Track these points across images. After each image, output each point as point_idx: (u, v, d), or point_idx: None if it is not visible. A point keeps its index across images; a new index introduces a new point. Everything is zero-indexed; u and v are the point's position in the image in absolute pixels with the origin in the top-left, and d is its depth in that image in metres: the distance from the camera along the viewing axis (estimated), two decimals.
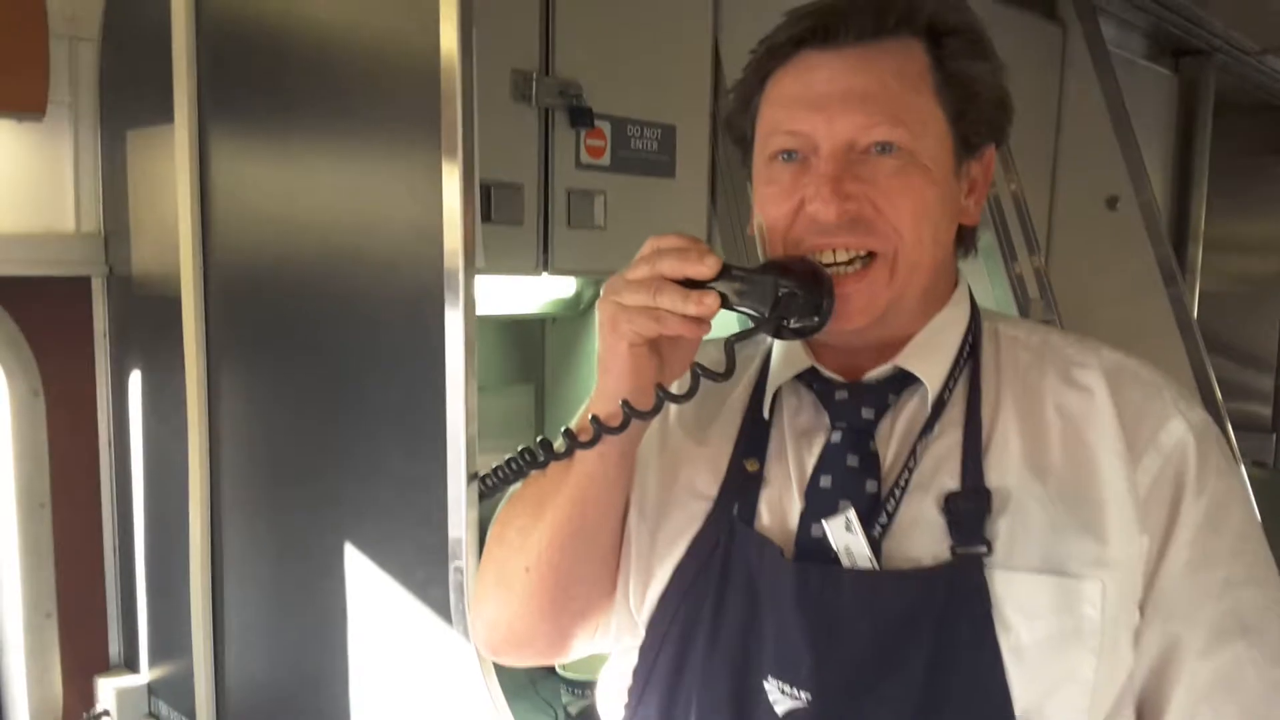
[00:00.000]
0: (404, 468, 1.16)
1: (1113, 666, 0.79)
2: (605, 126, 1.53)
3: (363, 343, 1.21)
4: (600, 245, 1.55)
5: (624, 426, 0.82)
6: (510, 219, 1.42)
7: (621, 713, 0.91)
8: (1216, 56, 2.96)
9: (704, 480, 0.90)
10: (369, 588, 1.22)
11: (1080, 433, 0.82)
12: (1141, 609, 0.81)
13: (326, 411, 1.28)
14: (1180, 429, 0.81)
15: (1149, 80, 2.82)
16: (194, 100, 1.37)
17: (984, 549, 0.78)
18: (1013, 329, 0.90)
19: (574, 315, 2.11)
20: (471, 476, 1.08)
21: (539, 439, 0.87)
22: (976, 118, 0.85)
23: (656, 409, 0.81)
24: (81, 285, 1.63)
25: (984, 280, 1.77)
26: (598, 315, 0.83)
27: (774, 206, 0.83)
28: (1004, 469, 0.82)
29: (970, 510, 0.80)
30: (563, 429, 0.86)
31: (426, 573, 1.14)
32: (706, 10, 1.68)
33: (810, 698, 0.79)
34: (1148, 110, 2.78)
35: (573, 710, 1.52)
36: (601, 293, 0.82)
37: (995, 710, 0.77)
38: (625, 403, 0.81)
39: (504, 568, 0.93)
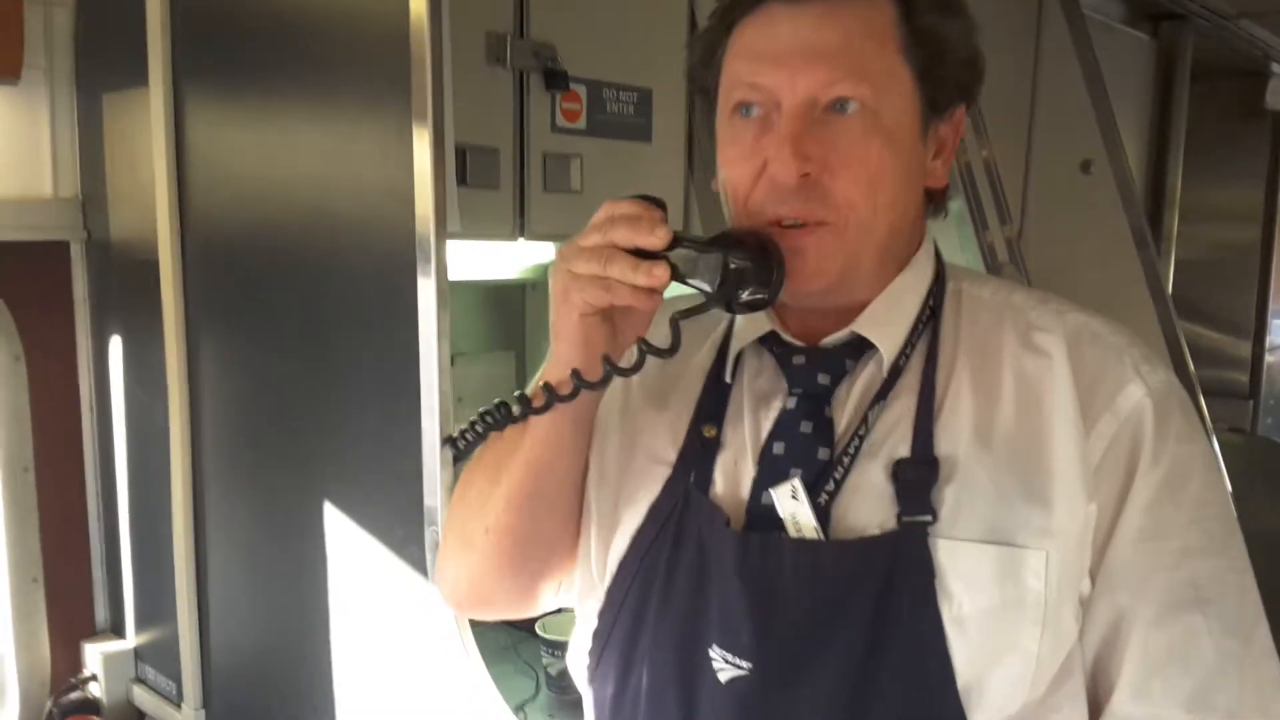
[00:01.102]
0: (380, 430, 1.17)
1: (1056, 637, 0.78)
2: (581, 90, 1.53)
3: (339, 306, 1.22)
4: (577, 209, 1.56)
5: (574, 395, 0.81)
6: (486, 183, 1.42)
7: (587, 671, 0.91)
8: (1194, 21, 2.95)
9: (663, 445, 0.89)
10: (348, 549, 1.23)
11: (1035, 398, 0.80)
12: (1093, 578, 0.80)
13: (305, 375, 1.29)
14: (1139, 393, 0.79)
15: (1127, 44, 2.82)
16: (168, 63, 1.37)
17: (929, 518, 0.77)
18: (977, 288, 0.88)
19: None
20: (445, 440, 1.09)
21: (496, 401, 0.85)
22: (944, 76, 0.82)
23: (605, 381, 0.81)
24: (60, 250, 1.63)
25: (954, 246, 1.79)
26: (550, 282, 0.81)
27: (735, 168, 0.82)
28: (954, 436, 0.80)
29: (917, 478, 0.79)
30: (516, 393, 0.84)
31: (405, 531, 1.15)
32: None
33: (751, 666, 0.79)
34: (1125, 75, 2.78)
35: (553, 671, 1.54)
36: (555, 259, 0.81)
37: (936, 681, 0.76)
38: (575, 373, 0.80)
39: (464, 528, 0.94)
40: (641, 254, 0.76)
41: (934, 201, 0.87)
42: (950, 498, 0.78)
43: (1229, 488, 0.85)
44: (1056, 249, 1.90)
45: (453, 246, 1.66)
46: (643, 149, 1.64)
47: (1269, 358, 3.70)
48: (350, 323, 1.21)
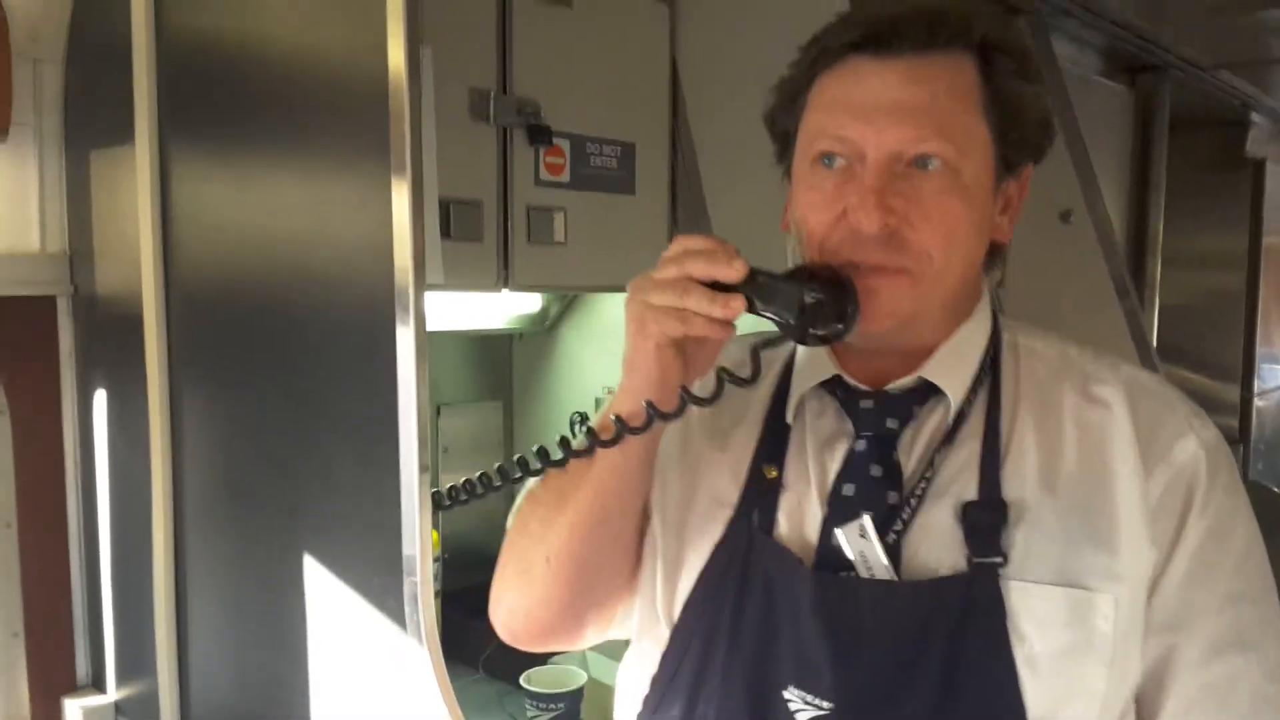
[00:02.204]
0: (360, 481, 1.17)
1: (1122, 677, 0.81)
2: (564, 144, 1.55)
3: (320, 358, 1.23)
4: (561, 261, 1.57)
5: (647, 427, 0.83)
6: (469, 236, 1.44)
7: (639, 716, 0.92)
8: (1171, 72, 3.00)
9: (725, 486, 0.91)
10: (328, 601, 1.23)
11: (1096, 446, 0.83)
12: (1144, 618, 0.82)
13: (286, 427, 1.29)
14: (1193, 446, 0.83)
15: (1105, 96, 2.86)
16: (154, 121, 1.39)
17: (1000, 560, 0.80)
18: (1031, 340, 0.91)
19: (541, 331, 2.13)
20: (436, 500, 1.08)
21: (559, 438, 0.88)
22: (1020, 138, 0.86)
23: (680, 411, 0.83)
24: (47, 305, 1.64)
25: None
26: (625, 314, 0.84)
27: (815, 214, 0.84)
28: (1020, 481, 0.83)
29: (987, 521, 0.81)
30: (585, 426, 0.89)
31: (383, 583, 1.15)
32: (664, 29, 1.72)
33: (833, 706, 0.81)
34: (1104, 126, 2.82)
35: None
36: (629, 291, 0.83)
37: (1010, 719, 0.78)
38: (649, 404, 0.82)
39: (525, 557, 0.95)
40: (718, 287, 0.79)
41: (993, 255, 0.90)
42: (1020, 540, 0.80)
43: (1262, 539, 0.88)
44: (1037, 298, 1.92)
45: (438, 297, 1.68)
46: (626, 201, 1.67)
47: (1258, 402, 3.71)
48: (331, 374, 1.21)
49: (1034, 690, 0.78)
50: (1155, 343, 2.97)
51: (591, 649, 1.71)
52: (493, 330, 2.10)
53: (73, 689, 1.71)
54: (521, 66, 1.48)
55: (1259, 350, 3.68)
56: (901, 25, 0.81)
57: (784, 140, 0.91)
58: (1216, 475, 0.83)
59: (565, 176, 1.56)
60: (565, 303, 2.10)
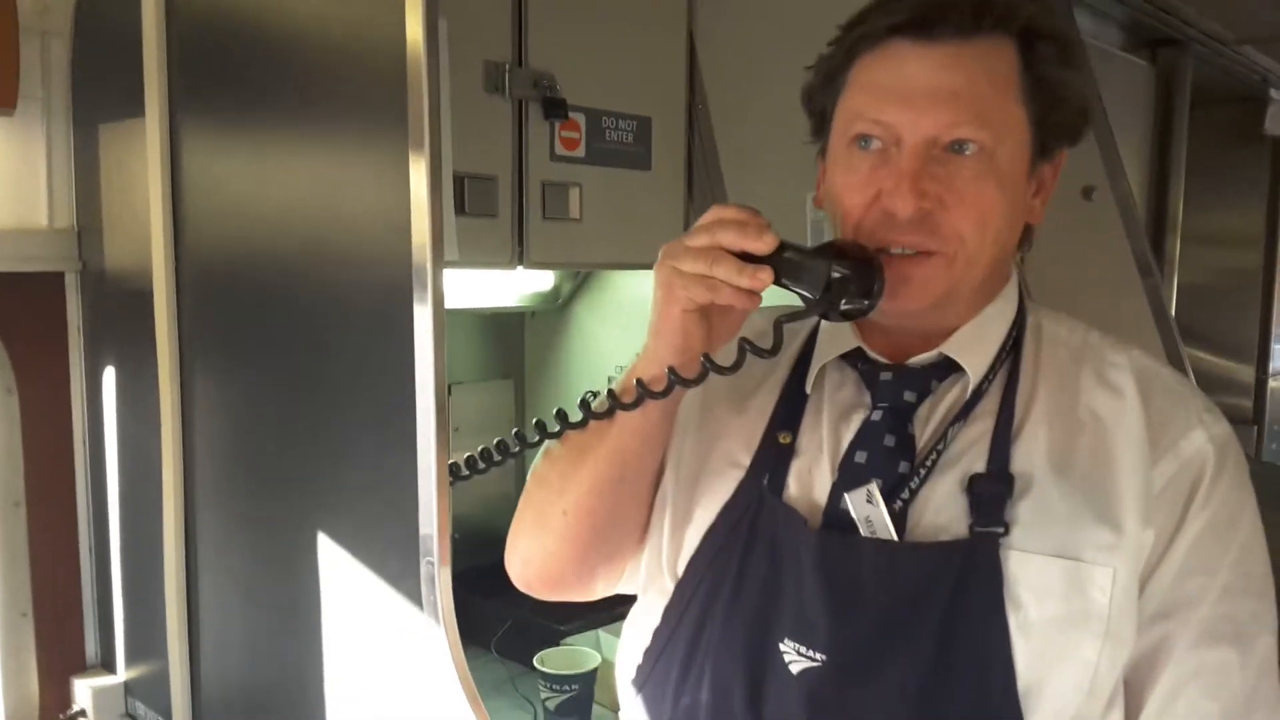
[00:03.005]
0: (376, 460, 1.16)
1: (1115, 650, 0.82)
2: (580, 118, 1.52)
3: (335, 335, 1.21)
4: (576, 237, 1.55)
5: (667, 392, 0.86)
6: (484, 211, 1.41)
7: (639, 667, 0.95)
8: (1193, 47, 2.96)
9: (739, 449, 0.94)
10: (343, 581, 1.22)
11: (1107, 431, 0.85)
12: (1139, 604, 0.84)
13: (299, 406, 1.28)
14: (1201, 439, 0.85)
15: (1126, 71, 2.83)
16: (164, 94, 1.37)
17: (1001, 530, 0.82)
18: (1055, 325, 0.93)
19: (553, 309, 2.11)
20: (452, 470, 1.08)
21: (580, 399, 0.92)
22: (1058, 123, 0.87)
23: (700, 378, 0.85)
24: (55, 281, 1.62)
25: None
26: (654, 278, 0.85)
27: (850, 195, 0.86)
28: (1030, 458, 0.85)
29: (992, 492, 0.83)
30: (606, 390, 0.90)
31: (400, 563, 1.13)
32: (681, 2, 1.68)
33: (825, 659, 0.83)
34: (1125, 101, 2.79)
35: (551, 706, 1.52)
36: (660, 257, 0.85)
37: (999, 682, 0.80)
38: (671, 370, 0.85)
39: (543, 509, 0.98)
40: (747, 258, 0.81)
41: (1024, 238, 0.92)
42: (1024, 513, 0.83)
43: (1264, 536, 0.89)
44: (1060, 275, 1.89)
45: (451, 275, 1.66)
46: (642, 177, 1.64)
47: (1273, 382, 3.69)
48: (346, 352, 1.20)
49: (1025, 656, 0.80)
50: None
51: (604, 630, 1.71)
52: (504, 308, 2.08)
53: (82, 669, 1.71)
54: (537, 39, 1.45)
55: (1275, 330, 3.66)
56: (946, 10, 0.81)
57: (820, 118, 0.92)
58: (1223, 469, 0.84)
59: (581, 151, 1.54)
60: (577, 281, 2.07)
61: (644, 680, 0.95)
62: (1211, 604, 0.83)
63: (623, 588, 1.03)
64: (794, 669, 0.85)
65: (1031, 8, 0.84)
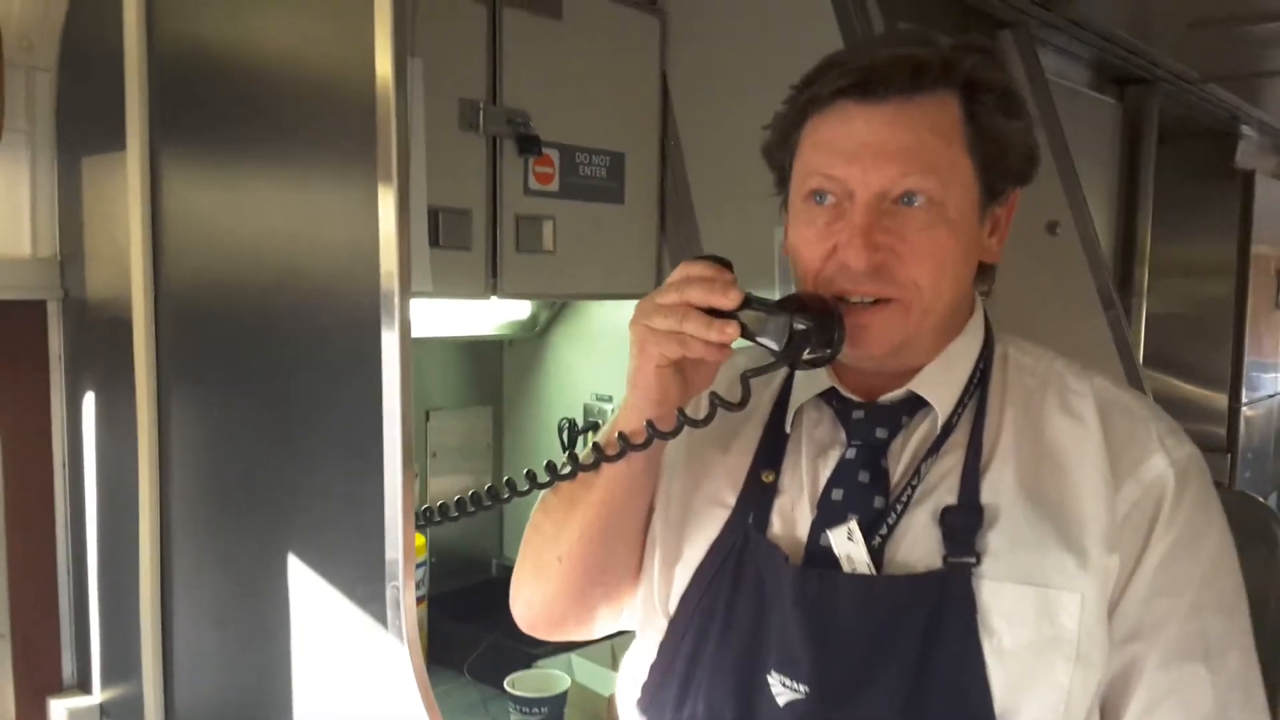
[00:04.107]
0: (345, 486, 1.18)
1: (1086, 673, 0.85)
2: (554, 154, 1.57)
3: (307, 364, 1.24)
4: (549, 270, 1.59)
5: (647, 444, 0.90)
6: (459, 244, 1.45)
7: (637, 701, 0.99)
8: (1160, 85, 3.03)
9: (723, 489, 0.98)
10: (312, 605, 1.24)
11: (1070, 459, 0.88)
12: (1109, 628, 0.86)
13: (274, 434, 1.30)
14: (1161, 465, 0.87)
15: (1094, 109, 2.88)
16: (145, 128, 1.40)
17: (973, 560, 0.85)
18: (1021, 354, 0.97)
19: (530, 337, 2.14)
20: (440, 511, 1.11)
21: (567, 453, 0.99)
22: (1004, 169, 0.91)
23: (677, 430, 0.90)
24: (37, 309, 1.65)
25: None
26: (630, 335, 0.90)
27: (808, 249, 0.90)
28: (998, 489, 0.88)
29: (963, 524, 0.86)
30: (592, 443, 0.94)
31: (367, 588, 1.16)
32: (654, 40, 1.73)
33: (809, 690, 0.87)
34: (1092, 138, 2.84)
35: None
36: (633, 315, 0.90)
37: (976, 707, 0.83)
38: (649, 424, 0.89)
39: (540, 556, 1.04)
40: (714, 313, 0.86)
41: (983, 277, 0.96)
42: (994, 543, 0.86)
43: (1234, 553, 0.91)
44: (1024, 307, 1.93)
45: (429, 303, 1.69)
46: (615, 210, 1.68)
47: (1246, 411, 3.72)
48: (318, 380, 1.22)
49: (1000, 680, 0.83)
50: (1144, 351, 2.99)
51: (576, 654, 1.73)
52: (483, 336, 2.11)
53: (58, 690, 1.71)
54: (512, 77, 1.50)
55: (1247, 359, 3.70)
56: (888, 72, 0.86)
57: (781, 173, 0.97)
58: (1184, 491, 0.87)
59: (554, 186, 1.58)
60: (555, 309, 2.11)
61: (642, 713, 0.99)
62: (1180, 623, 0.86)
63: (624, 625, 1.08)
64: (780, 700, 0.88)
65: (970, 61, 0.88)
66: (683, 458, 1.02)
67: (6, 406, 1.61)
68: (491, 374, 2.19)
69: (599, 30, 1.64)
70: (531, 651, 1.69)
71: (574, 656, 1.73)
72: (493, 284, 1.52)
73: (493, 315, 2.04)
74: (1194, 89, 3.12)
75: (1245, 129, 3.63)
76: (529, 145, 1.50)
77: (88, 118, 1.57)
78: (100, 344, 1.59)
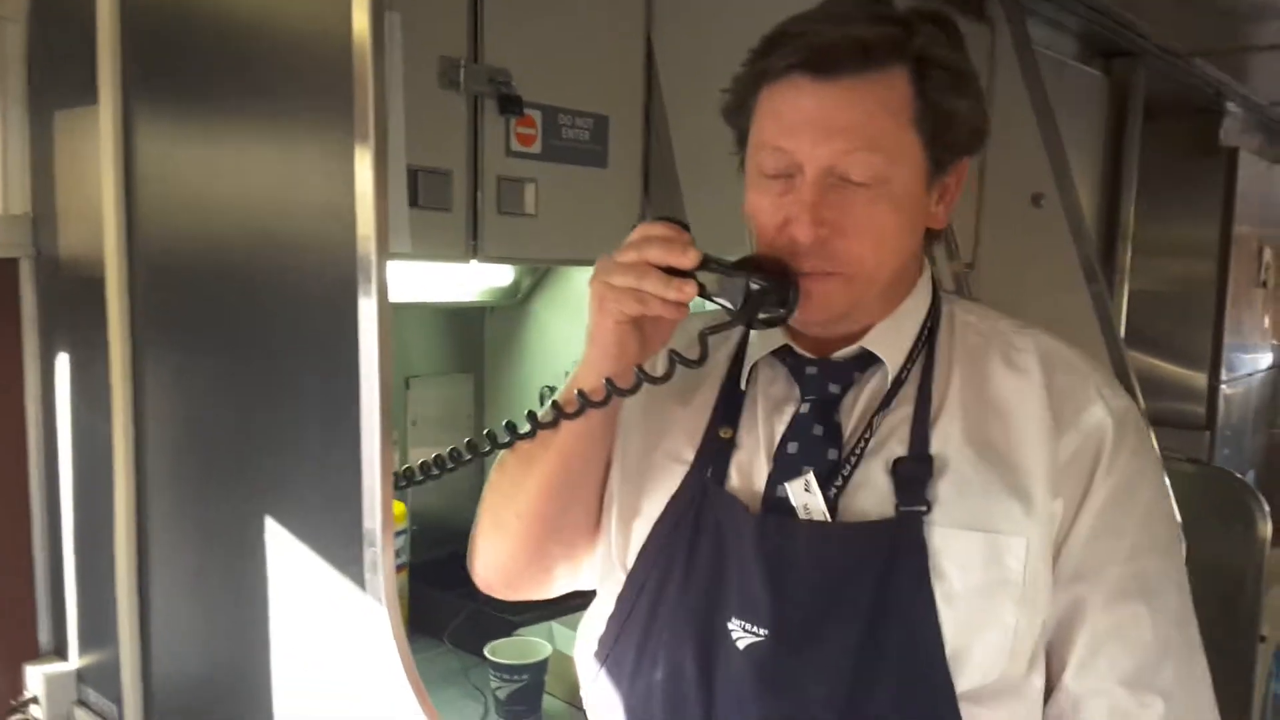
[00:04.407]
0: (322, 452, 1.17)
1: (1032, 614, 0.89)
2: (536, 115, 1.54)
3: (284, 326, 1.22)
4: (531, 233, 1.57)
5: (606, 401, 0.92)
6: (438, 205, 1.43)
7: (595, 654, 1.01)
8: (1147, 59, 3.02)
9: (682, 445, 1.00)
10: (290, 570, 1.23)
11: (1015, 410, 0.92)
12: (1053, 570, 0.91)
13: (251, 397, 1.29)
14: (1100, 413, 0.92)
15: (1080, 81, 2.87)
16: (118, 82, 1.37)
17: (924, 508, 0.89)
18: (966, 313, 1.01)
19: (513, 304, 2.13)
20: (403, 473, 1.11)
21: (528, 412, 0.98)
22: (951, 144, 0.93)
23: (636, 388, 0.92)
24: (9, 267, 1.62)
25: None
26: (589, 293, 0.92)
27: (764, 216, 0.93)
28: (947, 439, 0.91)
29: (914, 473, 0.90)
30: (550, 400, 0.97)
31: (346, 553, 1.14)
32: (639, 1, 1.70)
33: (768, 633, 0.90)
34: (1078, 111, 2.83)
35: (501, 695, 1.53)
36: (593, 273, 0.92)
37: (929, 648, 0.87)
38: (609, 381, 0.92)
39: (497, 514, 1.05)
40: (672, 271, 0.88)
41: (930, 240, 1.00)
42: (943, 491, 0.89)
43: (1174, 501, 0.98)
44: (1007, 279, 1.93)
45: (409, 268, 1.67)
46: (598, 174, 1.66)
47: (1225, 389, 3.75)
48: (295, 343, 1.21)
49: (951, 622, 0.87)
50: (1125, 328, 3.00)
51: (557, 621, 1.72)
52: (464, 303, 2.09)
53: (34, 656, 1.70)
54: (493, 35, 1.47)
55: (1227, 339, 3.72)
56: (838, 52, 0.88)
57: (740, 134, 0.99)
58: (1123, 439, 0.91)
59: (536, 148, 1.56)
60: (537, 276, 2.09)
61: (601, 665, 1.01)
62: (1120, 564, 0.90)
63: (582, 584, 1.09)
64: (740, 645, 0.91)
65: (922, 38, 0.90)
66: (639, 415, 1.03)
67: None
68: (473, 341, 2.18)
69: None
70: (512, 620, 1.69)
71: (555, 624, 1.72)
72: (473, 246, 1.50)
73: (474, 282, 2.02)
74: (1180, 63, 3.11)
75: (1230, 105, 3.63)
76: (511, 105, 1.48)
77: (59, 70, 1.53)
78: (74, 303, 1.57)
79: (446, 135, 1.44)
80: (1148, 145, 3.14)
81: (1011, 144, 2.11)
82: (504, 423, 0.98)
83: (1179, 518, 0.96)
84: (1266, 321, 4.16)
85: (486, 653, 1.55)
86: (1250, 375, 3.99)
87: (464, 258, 1.49)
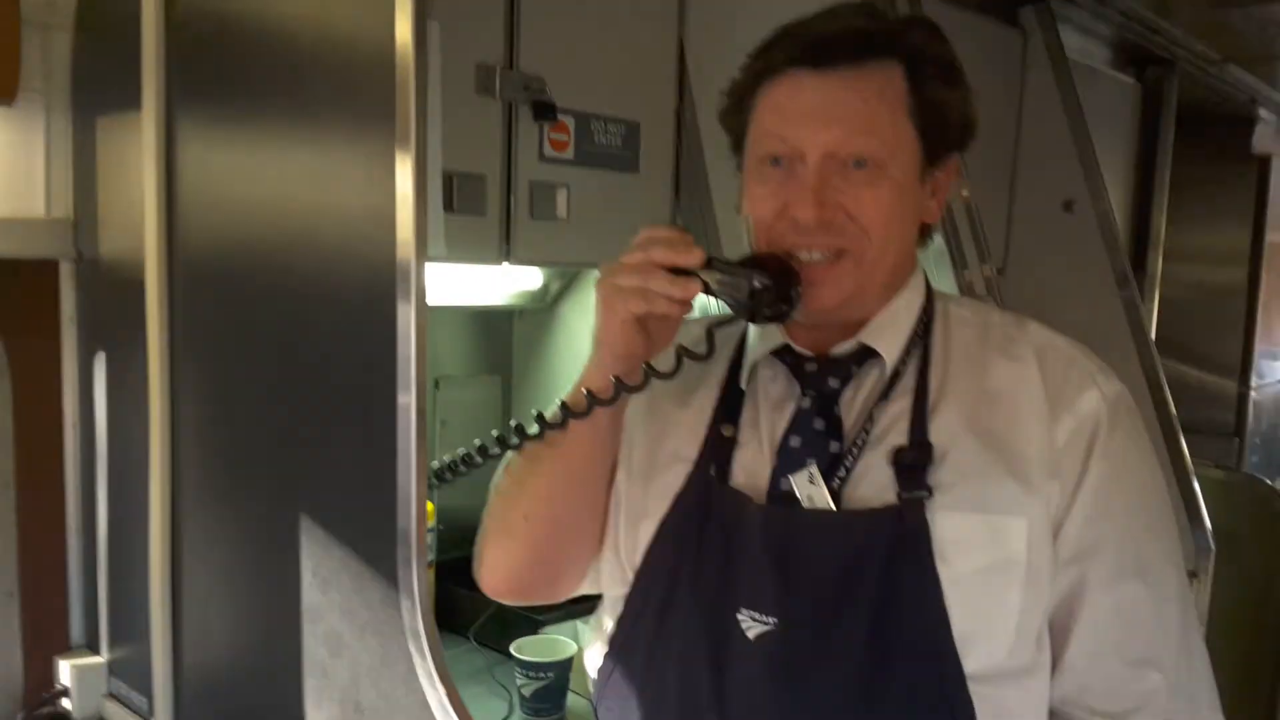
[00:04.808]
0: (358, 453, 1.18)
1: (1036, 596, 0.91)
2: (569, 120, 1.56)
3: (321, 329, 1.23)
4: (563, 237, 1.58)
5: (615, 399, 0.94)
6: (473, 209, 1.45)
7: (606, 654, 1.03)
8: (1180, 66, 3.00)
9: (686, 445, 1.01)
10: (322, 569, 1.24)
11: (1012, 397, 0.94)
12: (1054, 550, 0.92)
13: (286, 397, 1.30)
14: (1094, 398, 0.94)
15: (1112, 88, 2.86)
16: (162, 89, 1.39)
17: (925, 494, 0.90)
18: (960, 309, 1.03)
19: (542, 307, 2.14)
20: (436, 473, 1.12)
21: (514, 423, 1.00)
22: (943, 136, 0.97)
23: (644, 384, 0.94)
24: (50, 269, 1.65)
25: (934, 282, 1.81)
26: (595, 294, 0.95)
27: (761, 205, 0.95)
28: (945, 427, 0.93)
29: (915, 461, 0.92)
30: (559, 401, 0.97)
31: (379, 553, 1.16)
32: (672, 9, 1.71)
33: (776, 620, 0.91)
34: (1110, 117, 2.82)
35: (526, 692, 1.55)
36: (600, 275, 0.94)
37: (937, 632, 0.88)
38: (617, 379, 0.93)
39: (504, 518, 1.06)
40: (677, 271, 0.90)
41: (922, 235, 1.03)
42: (944, 477, 0.91)
43: (1164, 482, 1.00)
44: (1038, 286, 1.93)
45: (441, 271, 1.68)
46: (630, 179, 1.67)
47: (1255, 396, 3.73)
48: (332, 345, 1.22)
49: (957, 606, 0.88)
50: (1155, 335, 2.98)
51: (581, 620, 1.73)
52: (494, 306, 2.11)
53: (66, 649, 1.72)
54: (528, 42, 1.48)
55: (1258, 346, 3.69)
56: (837, 43, 0.92)
57: (736, 137, 1.01)
58: (1117, 423, 0.93)
59: (569, 153, 1.57)
60: (566, 279, 2.10)
61: (613, 665, 1.01)
62: (1117, 545, 0.92)
63: (588, 589, 1.09)
64: (751, 634, 0.92)
65: (915, 34, 0.95)
66: (642, 417, 1.05)
67: (18, 366, 1.61)
68: (502, 344, 2.19)
69: None
70: (537, 618, 1.70)
71: (580, 624, 1.73)
72: (505, 250, 1.51)
73: (504, 285, 2.03)
74: (1213, 70, 3.09)
75: (1263, 113, 3.59)
76: (545, 112, 1.49)
77: (103, 78, 1.56)
78: (113, 305, 1.59)
79: (481, 140, 1.46)
80: (1179, 152, 3.12)
81: (1043, 150, 2.10)
82: (513, 425, 1.00)
83: (1169, 500, 0.98)
84: None
85: (512, 650, 1.57)
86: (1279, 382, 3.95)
87: (496, 260, 1.51)
